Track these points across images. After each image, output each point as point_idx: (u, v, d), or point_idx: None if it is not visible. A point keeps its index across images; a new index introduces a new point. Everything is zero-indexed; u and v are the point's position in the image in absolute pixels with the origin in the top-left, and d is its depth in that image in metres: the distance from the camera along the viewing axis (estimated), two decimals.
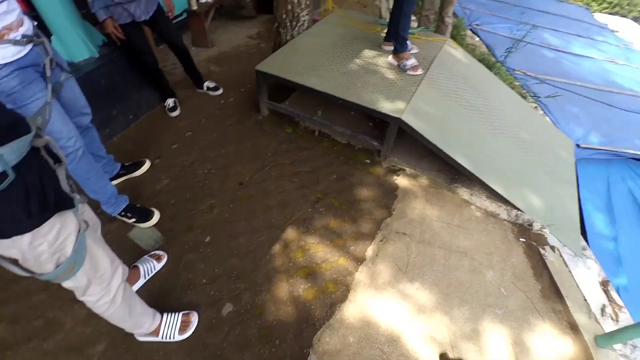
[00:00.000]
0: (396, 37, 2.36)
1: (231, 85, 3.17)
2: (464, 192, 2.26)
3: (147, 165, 2.34)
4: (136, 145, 2.54)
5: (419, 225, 2.04)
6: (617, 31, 7.85)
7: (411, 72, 2.36)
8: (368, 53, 2.59)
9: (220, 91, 3.07)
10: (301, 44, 2.70)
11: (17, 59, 1.26)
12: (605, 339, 1.61)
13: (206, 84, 3.03)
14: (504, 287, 1.82)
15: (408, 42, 2.41)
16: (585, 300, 1.83)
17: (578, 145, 3.39)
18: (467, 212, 2.15)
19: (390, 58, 2.48)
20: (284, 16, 2.74)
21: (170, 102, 2.82)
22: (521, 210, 2.15)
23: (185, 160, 2.42)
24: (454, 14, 4.82)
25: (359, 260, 1.86)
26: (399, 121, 2.05)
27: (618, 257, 3.35)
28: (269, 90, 2.67)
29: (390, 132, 2.18)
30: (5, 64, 1.23)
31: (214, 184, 2.26)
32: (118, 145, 2.55)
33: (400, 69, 2.40)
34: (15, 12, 1.23)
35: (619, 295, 2.11)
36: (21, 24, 1.26)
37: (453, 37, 4.14)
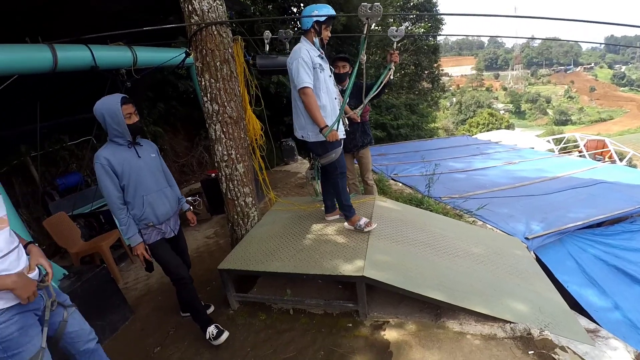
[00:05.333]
0: (343, 207, 2.75)
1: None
2: (453, 324, 2.23)
3: None
4: None
5: None
6: (500, 141, 9.90)
7: (367, 229, 2.64)
8: (316, 227, 2.91)
9: None
10: (256, 236, 2.97)
11: (19, 302, 1.22)
12: None
13: None
14: None
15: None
16: None
17: (527, 239, 3.69)
18: (466, 344, 2.07)
19: (346, 225, 2.78)
20: (236, 217, 3.11)
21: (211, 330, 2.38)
22: (512, 322, 2.13)
23: None
24: (375, 172, 5.82)
25: None
26: (363, 279, 2.17)
27: (631, 323, 3.15)
28: (234, 283, 2.73)
29: (360, 290, 2.26)
30: (7, 308, 1.19)
31: None
32: None
33: (357, 230, 2.68)
34: (23, 258, 1.30)
35: None
36: (29, 269, 1.32)
37: (381, 189, 4.88)
